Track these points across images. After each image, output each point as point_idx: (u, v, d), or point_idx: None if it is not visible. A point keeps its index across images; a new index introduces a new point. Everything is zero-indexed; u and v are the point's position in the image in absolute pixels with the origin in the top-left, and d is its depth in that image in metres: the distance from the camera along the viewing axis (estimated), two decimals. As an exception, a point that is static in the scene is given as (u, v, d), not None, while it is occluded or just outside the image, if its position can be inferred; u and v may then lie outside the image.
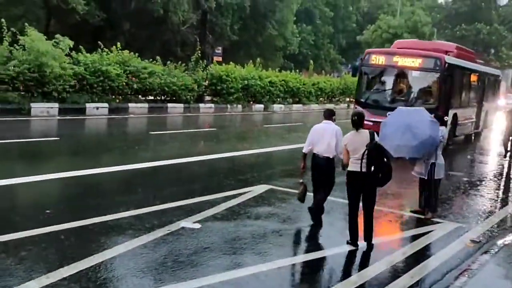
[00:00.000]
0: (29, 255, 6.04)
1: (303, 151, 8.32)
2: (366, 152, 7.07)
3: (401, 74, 17.40)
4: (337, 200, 9.08)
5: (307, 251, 7.39)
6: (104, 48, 22.71)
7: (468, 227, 8.98)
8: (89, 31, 35.69)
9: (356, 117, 7.39)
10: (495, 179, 14.44)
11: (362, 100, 17.85)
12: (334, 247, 7.35)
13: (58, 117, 18.81)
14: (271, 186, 10.44)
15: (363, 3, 73.00)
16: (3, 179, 9.21)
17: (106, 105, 21.23)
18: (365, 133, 7.30)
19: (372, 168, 7.10)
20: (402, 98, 16.99)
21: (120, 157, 12.72)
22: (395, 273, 6.64)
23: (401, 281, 6.34)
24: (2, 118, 16.92)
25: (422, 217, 9.19)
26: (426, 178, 9.16)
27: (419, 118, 8.91)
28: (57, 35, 20.15)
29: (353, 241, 7.37)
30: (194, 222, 7.70)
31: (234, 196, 9.40)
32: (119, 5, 37.52)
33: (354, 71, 19.00)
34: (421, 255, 7.37)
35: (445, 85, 16.97)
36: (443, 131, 9.39)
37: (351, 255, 7.18)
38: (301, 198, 8.53)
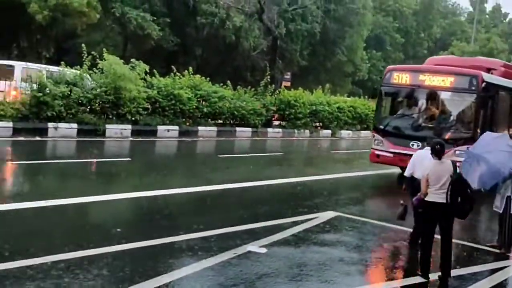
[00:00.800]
0: (99, 273, 6.21)
1: (405, 174, 8.71)
2: (450, 183, 6.95)
3: (429, 96, 14.57)
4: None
5: (376, 280, 7.23)
6: (177, 73, 23.36)
7: None
8: (163, 56, 36.87)
9: (438, 146, 7.26)
10: None
11: (381, 126, 15.05)
12: (406, 277, 7.15)
13: (131, 138, 19.40)
14: (338, 213, 10.31)
15: (435, 29, 71.68)
16: (78, 197, 9.57)
17: (176, 127, 21.73)
18: (447, 163, 7.20)
19: (459, 200, 6.99)
20: (430, 125, 14.32)
21: (189, 179, 12.94)
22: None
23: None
24: (79, 138, 17.67)
25: (498, 251, 8.80)
26: (501, 212, 8.77)
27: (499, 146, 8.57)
28: (133, 60, 20.90)
29: (425, 272, 7.14)
30: (261, 247, 7.69)
31: (301, 222, 9.35)
32: (193, 31, 38.62)
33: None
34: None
35: (483, 109, 14.13)
36: None
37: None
38: (401, 217, 8.53)
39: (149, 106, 21.20)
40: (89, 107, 19.25)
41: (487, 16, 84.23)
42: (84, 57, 19.36)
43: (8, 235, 7.26)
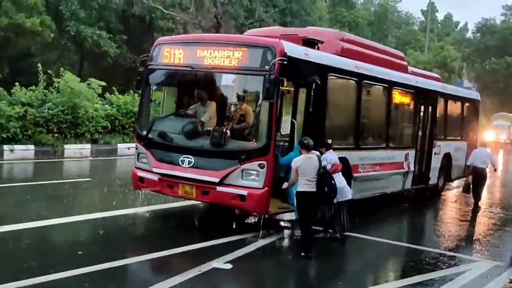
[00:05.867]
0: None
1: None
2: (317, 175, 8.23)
3: (206, 82, 10.14)
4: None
5: None
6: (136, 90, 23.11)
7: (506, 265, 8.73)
8: (121, 73, 36.52)
9: (307, 140, 8.30)
10: None
11: (145, 132, 9.90)
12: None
13: (91, 158, 19.08)
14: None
15: (390, 39, 73.19)
16: (37, 220, 9.32)
17: (137, 145, 21.43)
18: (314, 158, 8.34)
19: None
20: (207, 129, 9.64)
21: (151, 197, 12.76)
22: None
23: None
24: (36, 160, 17.27)
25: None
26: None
27: None
28: (90, 78, 20.64)
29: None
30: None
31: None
32: (150, 48, 38.34)
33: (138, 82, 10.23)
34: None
35: (294, 102, 9.89)
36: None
37: None
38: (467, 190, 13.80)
39: (108, 125, 20.92)
40: (46, 127, 18.88)
41: (439, 25, 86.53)
42: (40, 77, 19.00)
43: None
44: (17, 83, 19.46)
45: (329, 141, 9.29)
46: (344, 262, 8.88)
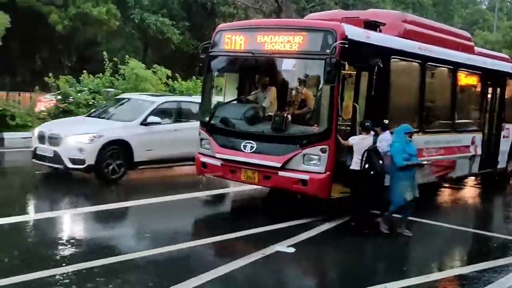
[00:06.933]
0: (127, 278, 6.26)
1: None
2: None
3: (267, 67, 10.20)
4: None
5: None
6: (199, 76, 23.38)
7: None
8: (183, 59, 37.03)
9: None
10: None
11: (207, 118, 10.07)
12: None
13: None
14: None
15: (456, 20, 70.74)
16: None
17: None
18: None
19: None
20: (270, 114, 9.61)
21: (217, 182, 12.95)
22: None
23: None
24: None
25: None
26: None
27: None
28: (155, 65, 21.05)
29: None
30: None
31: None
32: (212, 34, 38.65)
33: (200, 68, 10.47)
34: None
35: (358, 86, 9.44)
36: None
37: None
38: None
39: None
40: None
41: (508, 3, 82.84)
42: (106, 64, 19.55)
43: None
44: (84, 71, 20.11)
45: (386, 121, 9.16)
46: (408, 247, 8.74)
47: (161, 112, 12.34)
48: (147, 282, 6.15)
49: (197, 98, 11.99)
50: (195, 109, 12.27)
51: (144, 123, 11.85)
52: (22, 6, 26.49)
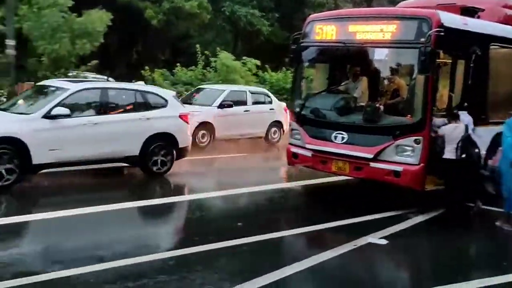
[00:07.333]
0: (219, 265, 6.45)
1: None
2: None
3: (358, 56, 9.84)
4: None
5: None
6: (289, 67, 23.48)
7: None
8: (273, 50, 37.22)
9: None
10: None
11: (298, 109, 10.11)
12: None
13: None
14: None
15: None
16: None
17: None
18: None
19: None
20: (361, 105, 9.74)
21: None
22: None
23: None
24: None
25: None
26: None
27: None
28: (245, 57, 21.36)
29: None
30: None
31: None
32: (301, 24, 38.48)
33: (291, 59, 10.60)
34: None
35: (452, 74, 9.17)
36: None
37: None
38: None
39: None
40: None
41: None
42: (198, 57, 20.05)
43: None
44: (178, 64, 20.74)
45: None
46: (509, 243, 8.36)
47: (77, 102, 10.07)
48: (236, 268, 6.31)
49: (135, 85, 11.74)
50: (130, 98, 10.68)
51: (47, 115, 9.49)
52: (122, 2, 27.68)
